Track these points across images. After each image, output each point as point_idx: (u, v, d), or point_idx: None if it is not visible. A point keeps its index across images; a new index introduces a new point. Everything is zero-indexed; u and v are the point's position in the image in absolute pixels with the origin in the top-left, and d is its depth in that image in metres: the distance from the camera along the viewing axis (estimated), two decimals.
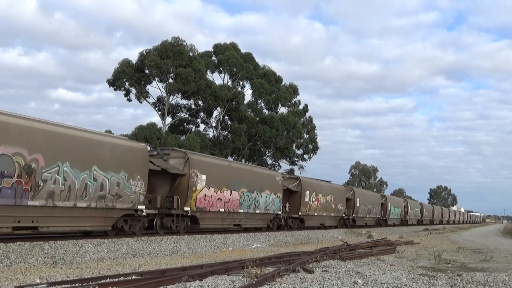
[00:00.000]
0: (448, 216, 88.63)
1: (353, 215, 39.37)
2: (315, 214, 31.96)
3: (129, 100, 44.28)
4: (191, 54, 43.23)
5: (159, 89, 44.58)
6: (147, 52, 42.40)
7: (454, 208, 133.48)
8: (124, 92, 43.58)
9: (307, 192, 30.60)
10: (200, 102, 46.54)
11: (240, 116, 47.18)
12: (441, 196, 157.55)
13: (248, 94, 50.21)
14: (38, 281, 9.35)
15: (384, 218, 48.63)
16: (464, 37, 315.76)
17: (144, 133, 39.55)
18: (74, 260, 13.27)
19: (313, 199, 31.27)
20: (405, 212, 55.94)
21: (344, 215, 37.42)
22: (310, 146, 54.55)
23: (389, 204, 49.65)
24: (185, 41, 42.99)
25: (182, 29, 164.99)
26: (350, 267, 12.78)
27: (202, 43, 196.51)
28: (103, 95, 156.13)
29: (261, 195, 25.34)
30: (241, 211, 23.70)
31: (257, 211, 25.16)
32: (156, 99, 45.55)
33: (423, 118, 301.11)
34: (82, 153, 15.47)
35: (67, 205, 14.97)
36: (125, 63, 42.66)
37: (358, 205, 39.99)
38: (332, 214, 35.15)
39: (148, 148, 22.38)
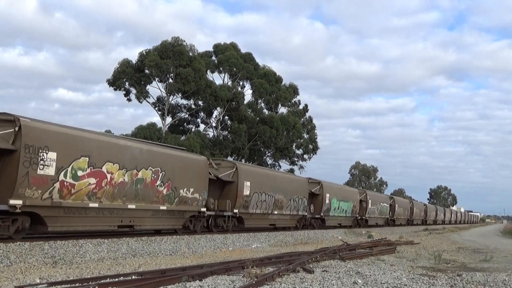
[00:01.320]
0: (435, 215, 71.93)
1: (234, 210, 22.72)
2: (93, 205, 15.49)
3: (129, 100, 44.40)
4: (191, 54, 43.26)
5: (159, 89, 44.71)
6: (147, 52, 42.43)
7: (454, 208, 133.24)
8: (124, 92, 43.66)
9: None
10: (200, 102, 46.57)
11: (240, 116, 47.19)
12: (441, 196, 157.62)
13: (248, 94, 50.33)
14: (38, 281, 9.34)
15: (319, 216, 32.26)
16: (465, 37, 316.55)
17: (144, 133, 39.52)
18: (74, 260, 13.26)
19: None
20: (361, 208, 40.39)
21: (203, 210, 20.93)
22: (310, 146, 54.56)
23: (327, 195, 32.64)
24: (185, 41, 43.13)
25: (182, 29, 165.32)
26: (350, 267, 12.78)
27: (202, 43, 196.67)
28: (103, 95, 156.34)
29: None
30: None
31: None
32: (156, 99, 45.64)
33: (424, 118, 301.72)
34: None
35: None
36: (125, 63, 42.68)
37: (248, 193, 23.61)
38: (164, 208, 18.55)
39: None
